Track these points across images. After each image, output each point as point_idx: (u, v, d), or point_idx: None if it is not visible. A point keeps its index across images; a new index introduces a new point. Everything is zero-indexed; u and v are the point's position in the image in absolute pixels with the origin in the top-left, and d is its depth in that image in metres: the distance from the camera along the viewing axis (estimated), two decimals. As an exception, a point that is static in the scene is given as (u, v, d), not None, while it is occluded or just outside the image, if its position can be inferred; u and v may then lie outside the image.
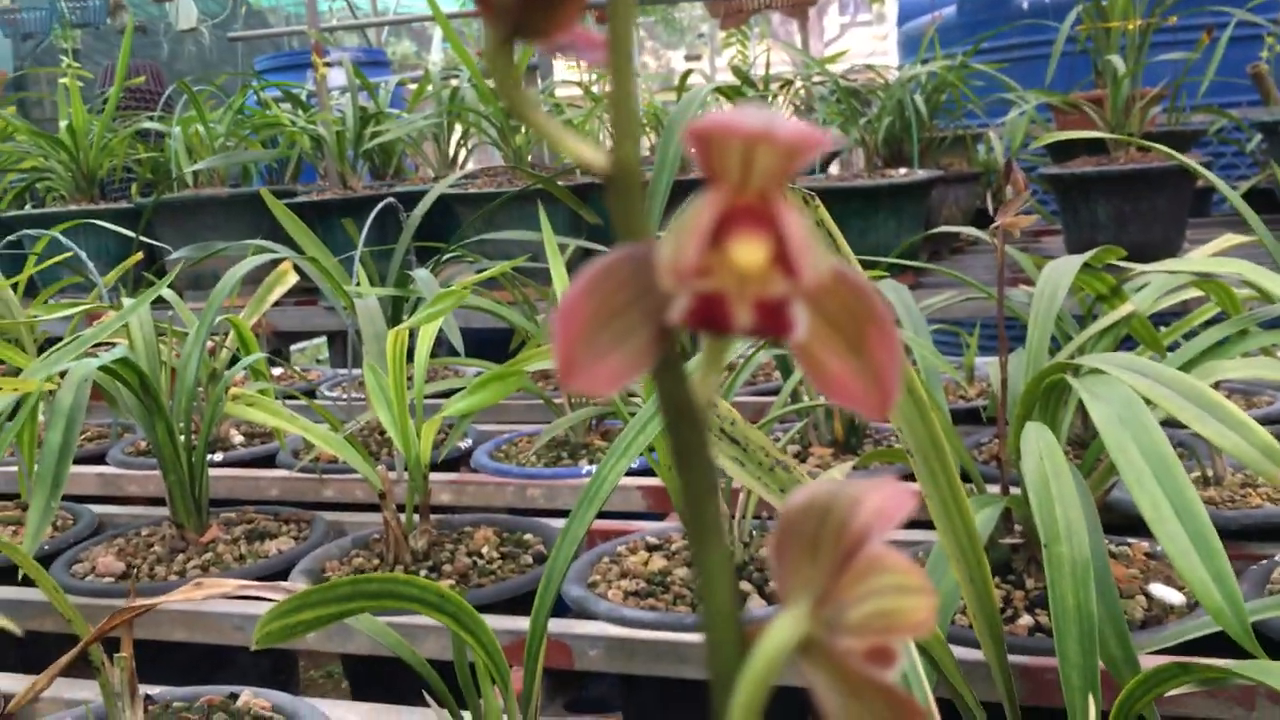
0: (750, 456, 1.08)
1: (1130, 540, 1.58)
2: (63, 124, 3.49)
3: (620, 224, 0.33)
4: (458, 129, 3.64)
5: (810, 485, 0.33)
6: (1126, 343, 1.60)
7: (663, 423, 0.34)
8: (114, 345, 1.82)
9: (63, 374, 1.59)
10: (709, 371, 0.34)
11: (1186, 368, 1.40)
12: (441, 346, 2.18)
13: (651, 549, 1.70)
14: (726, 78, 3.99)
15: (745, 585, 1.56)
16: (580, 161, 0.34)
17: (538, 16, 0.33)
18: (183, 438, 1.79)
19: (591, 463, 2.02)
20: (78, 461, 2.23)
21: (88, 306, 2.13)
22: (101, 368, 1.64)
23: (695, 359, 0.36)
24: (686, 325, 0.30)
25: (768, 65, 3.96)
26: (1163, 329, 1.65)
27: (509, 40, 0.34)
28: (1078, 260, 1.56)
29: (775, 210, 0.30)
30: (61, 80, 3.51)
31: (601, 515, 1.85)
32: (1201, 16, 3.29)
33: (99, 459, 2.32)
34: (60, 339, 1.80)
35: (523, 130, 3.26)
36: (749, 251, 0.29)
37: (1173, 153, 1.96)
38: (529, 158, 3.44)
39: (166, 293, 2.00)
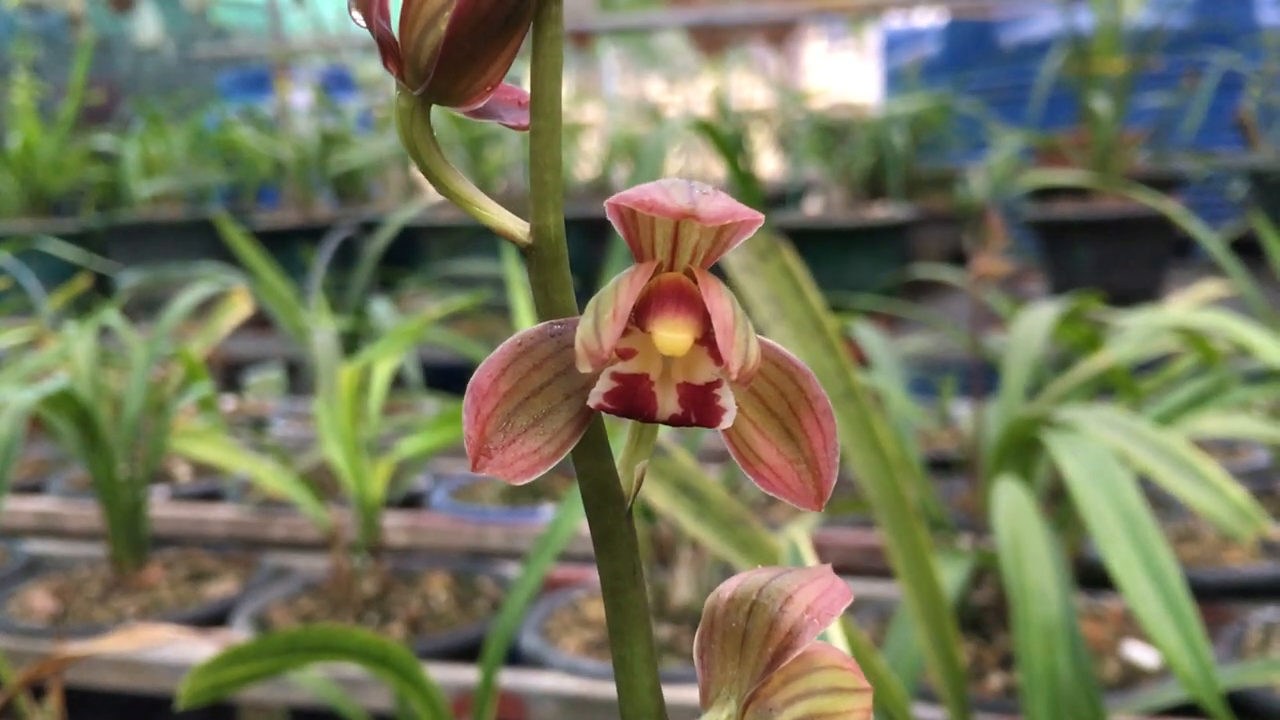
0: (709, 510, 1.03)
1: (1106, 596, 1.54)
2: (14, 141, 3.42)
3: (540, 298, 0.29)
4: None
5: (739, 576, 0.30)
6: (1106, 391, 1.57)
7: (584, 506, 0.30)
8: (57, 373, 1.76)
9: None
10: (635, 455, 0.31)
11: (1164, 421, 1.36)
12: (407, 378, 2.12)
13: (610, 596, 1.64)
14: (704, 109, 3.97)
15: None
16: (500, 231, 0.30)
17: (453, 82, 0.29)
18: (124, 471, 1.72)
19: (555, 504, 1.97)
20: (13, 494, 2.16)
21: (29, 332, 2.06)
22: (42, 398, 1.57)
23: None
24: (608, 410, 0.27)
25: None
26: (1142, 373, 1.62)
27: (424, 105, 0.30)
28: (1054, 308, 1.53)
29: (703, 290, 0.27)
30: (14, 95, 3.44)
31: (565, 561, 1.81)
32: (1186, 61, 3.30)
33: (37, 492, 2.24)
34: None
35: (489, 160, 3.22)
36: (673, 334, 0.27)
37: (1155, 200, 1.93)
38: (503, 185, 3.40)
39: (113, 318, 1.93)
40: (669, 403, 0.27)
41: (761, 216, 0.26)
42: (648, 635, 0.30)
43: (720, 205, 0.25)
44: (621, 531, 0.30)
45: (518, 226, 0.29)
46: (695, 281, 0.27)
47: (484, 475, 0.28)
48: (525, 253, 0.29)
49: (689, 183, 0.26)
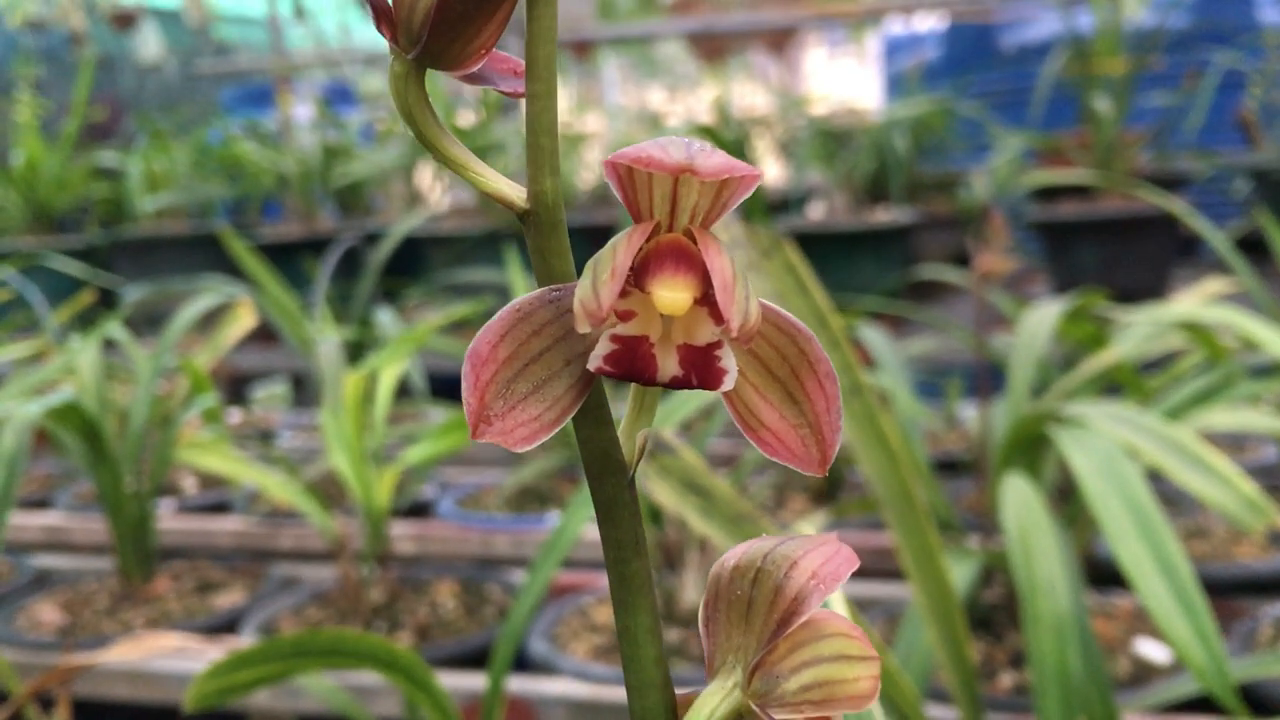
0: (716, 508, 1.03)
1: (1116, 594, 1.54)
2: (18, 158, 3.43)
3: (539, 264, 0.29)
4: (428, 166, 3.59)
5: (744, 544, 0.29)
6: (1113, 388, 1.56)
7: (586, 474, 0.30)
8: (63, 387, 1.76)
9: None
10: (636, 422, 0.30)
11: (1172, 416, 1.36)
12: (413, 387, 2.12)
13: (618, 601, 1.64)
14: (706, 117, 3.97)
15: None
16: (496, 196, 0.29)
17: (447, 45, 0.29)
18: (131, 485, 1.72)
19: (561, 511, 1.96)
20: (20, 509, 2.15)
21: (34, 347, 2.06)
22: (47, 411, 1.57)
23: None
24: (608, 374, 0.27)
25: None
26: (1147, 372, 1.61)
27: (419, 69, 0.30)
28: (1059, 305, 1.52)
29: (702, 248, 0.26)
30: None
31: (573, 566, 1.81)
32: (1187, 60, 3.30)
33: (44, 506, 2.24)
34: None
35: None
36: (672, 293, 0.26)
37: (1160, 197, 1.93)
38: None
39: (118, 332, 1.93)
40: (670, 365, 0.27)
41: (760, 172, 0.26)
42: (652, 606, 0.30)
43: (718, 160, 0.25)
44: (624, 500, 0.29)
45: (515, 192, 0.29)
46: (694, 242, 0.27)
47: (485, 440, 0.28)
48: (523, 218, 0.29)
49: (686, 140, 0.25)
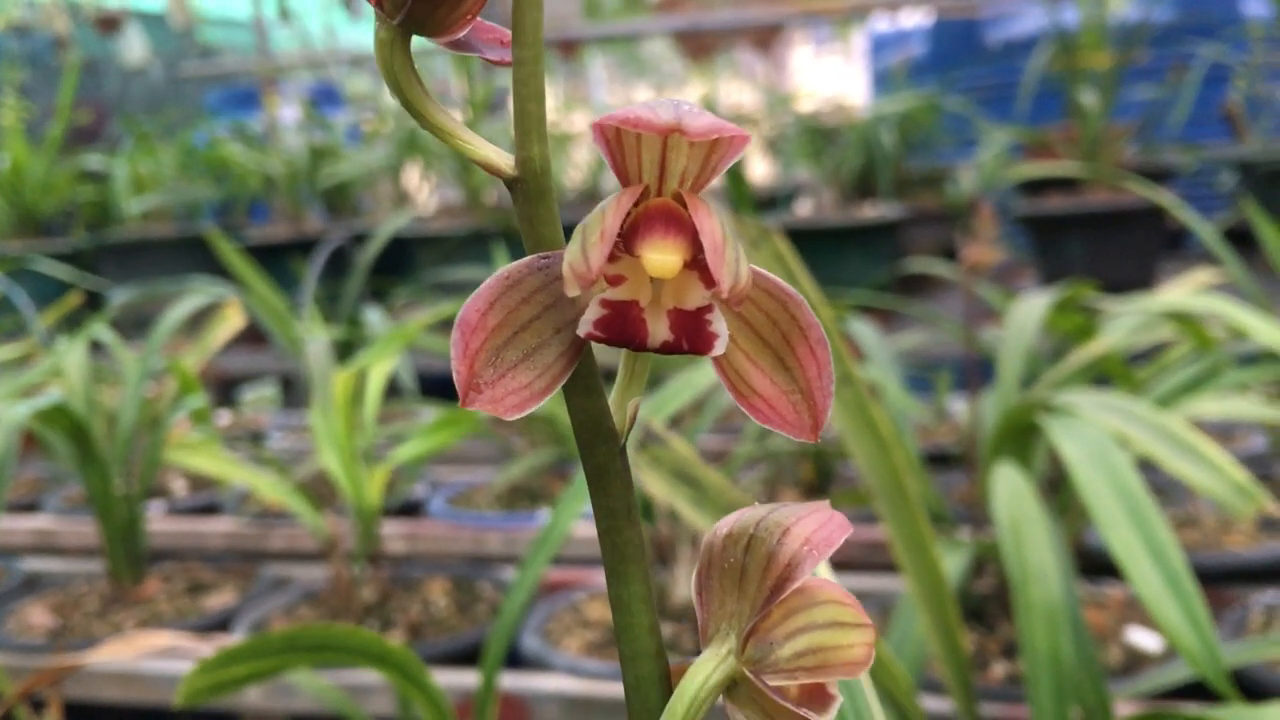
0: (708, 497, 1.03)
1: (1107, 583, 1.54)
2: (3, 162, 3.41)
3: (527, 232, 0.29)
4: (415, 166, 3.59)
5: (736, 512, 0.29)
6: (1102, 379, 1.57)
7: (577, 443, 0.29)
8: (51, 389, 1.75)
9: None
10: (627, 390, 0.30)
11: (1161, 406, 1.36)
12: (402, 386, 2.12)
13: (611, 597, 1.64)
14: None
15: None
16: (484, 164, 0.29)
17: (432, 9, 0.29)
18: (120, 487, 1.71)
19: (553, 508, 1.96)
20: (9, 512, 2.15)
21: (21, 350, 2.05)
22: (35, 414, 1.57)
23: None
24: (598, 339, 0.27)
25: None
26: (1135, 363, 1.62)
27: (404, 35, 0.30)
28: (1048, 296, 1.52)
29: (691, 211, 0.26)
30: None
31: (564, 563, 1.80)
32: (1172, 54, 3.31)
33: (33, 509, 2.23)
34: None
35: (477, 169, 3.21)
36: (662, 256, 0.26)
37: (1147, 189, 1.93)
38: (492, 195, 3.40)
39: (105, 334, 1.93)
40: (660, 329, 0.27)
41: (749, 134, 0.26)
42: (645, 574, 0.29)
43: (706, 120, 0.25)
44: (615, 469, 0.29)
45: (502, 159, 0.29)
46: (684, 206, 0.27)
47: (475, 409, 0.28)
48: (511, 186, 0.29)
49: (674, 100, 0.25)
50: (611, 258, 0.26)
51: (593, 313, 0.27)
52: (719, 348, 0.27)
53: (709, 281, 0.27)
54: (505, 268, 0.28)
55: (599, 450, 0.30)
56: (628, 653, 0.29)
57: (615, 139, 0.26)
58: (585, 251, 0.26)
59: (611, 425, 0.30)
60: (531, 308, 0.28)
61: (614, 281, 0.27)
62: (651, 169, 0.27)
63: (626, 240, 0.27)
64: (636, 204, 0.27)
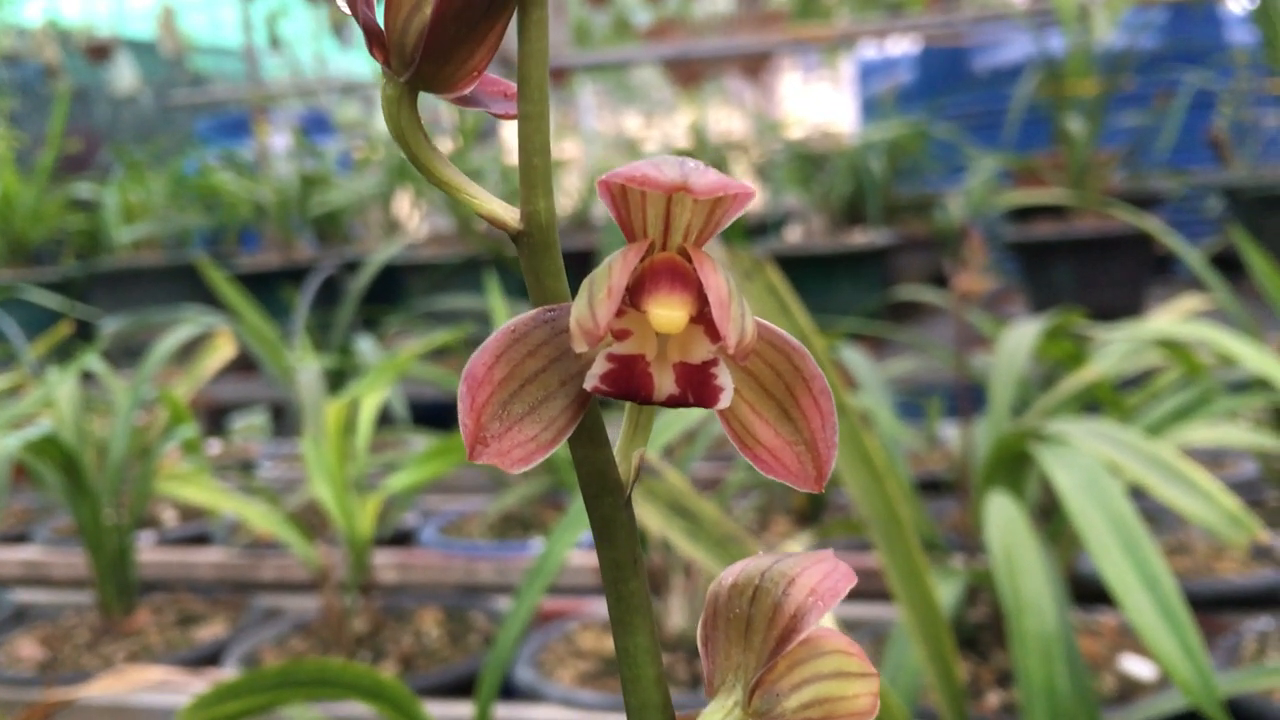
0: (702, 530, 1.03)
1: (1100, 611, 1.54)
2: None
3: (533, 284, 0.29)
4: (406, 194, 3.59)
5: (741, 562, 0.30)
6: (1092, 406, 1.57)
7: (583, 495, 0.30)
8: (41, 420, 1.75)
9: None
10: (632, 441, 0.30)
11: (1152, 433, 1.37)
12: (394, 415, 2.11)
13: (606, 628, 1.63)
14: (683, 142, 3.99)
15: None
16: (490, 218, 0.30)
17: (439, 67, 0.29)
18: (110, 517, 1.70)
19: (545, 537, 1.95)
20: (-1, 543, 2.14)
21: (11, 380, 2.04)
22: (26, 445, 1.56)
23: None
24: (604, 393, 0.27)
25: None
26: (1126, 390, 1.62)
27: (411, 91, 0.30)
28: (1038, 324, 1.53)
29: (697, 266, 0.27)
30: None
31: (557, 592, 1.80)
32: (1158, 81, 3.33)
33: (22, 540, 2.22)
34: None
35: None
36: (668, 311, 0.26)
37: (1135, 216, 1.95)
38: (483, 223, 3.40)
39: (96, 364, 1.92)
40: (666, 383, 0.27)
41: (753, 190, 0.26)
42: (650, 625, 0.30)
43: (712, 179, 0.25)
44: (620, 520, 0.29)
45: (508, 213, 0.29)
46: (689, 260, 0.27)
47: (482, 462, 0.28)
48: (516, 239, 0.29)
49: (679, 158, 0.26)
50: (618, 312, 0.27)
51: (599, 367, 0.27)
52: (724, 400, 0.27)
53: (714, 336, 0.27)
54: (511, 321, 0.29)
55: (604, 501, 0.30)
56: (634, 704, 0.29)
57: (621, 196, 0.27)
58: (593, 308, 0.26)
59: (617, 476, 0.30)
60: (537, 361, 0.29)
61: (620, 336, 0.27)
62: (656, 224, 0.27)
63: (632, 295, 0.27)
64: (642, 259, 0.27)
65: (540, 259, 0.29)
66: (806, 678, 0.29)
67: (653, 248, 0.27)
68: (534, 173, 0.28)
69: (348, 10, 0.29)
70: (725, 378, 0.27)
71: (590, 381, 0.27)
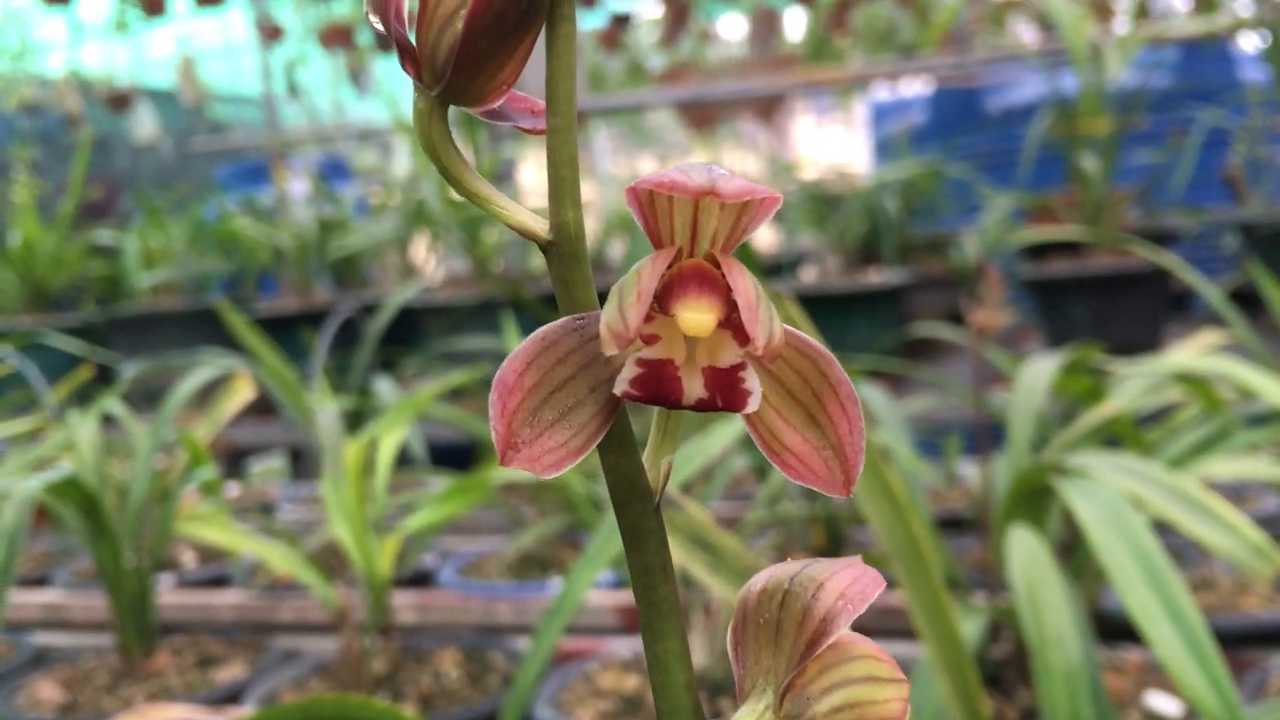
0: (724, 563, 1.02)
1: (1125, 648, 1.52)
2: (15, 238, 3.44)
3: (562, 294, 0.29)
4: (422, 238, 3.62)
5: (770, 568, 0.30)
6: (1112, 441, 1.56)
7: (612, 501, 0.30)
8: (62, 463, 1.75)
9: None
10: (661, 448, 0.31)
11: (1173, 467, 1.36)
12: (412, 456, 2.12)
13: (625, 667, 1.62)
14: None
15: (727, 704, 1.48)
16: (520, 229, 0.30)
17: (470, 81, 0.30)
18: (130, 560, 1.71)
19: (564, 577, 1.95)
20: (19, 587, 2.14)
21: (33, 423, 2.06)
22: (47, 487, 1.57)
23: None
24: (634, 398, 0.27)
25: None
26: (1146, 426, 1.61)
27: (442, 105, 0.31)
28: (1056, 360, 1.53)
29: (725, 270, 0.27)
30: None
31: (576, 632, 1.79)
32: (1171, 119, 3.34)
33: (43, 583, 2.22)
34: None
35: (484, 240, 3.24)
36: (697, 315, 0.27)
37: (1151, 252, 1.95)
38: (499, 265, 3.42)
39: (116, 407, 1.93)
40: (695, 387, 0.27)
41: (779, 195, 0.26)
42: (681, 631, 0.30)
43: (739, 183, 0.26)
44: (650, 527, 0.30)
45: (538, 224, 0.30)
46: (716, 266, 0.28)
47: (513, 467, 0.28)
48: (546, 250, 0.30)
49: (707, 164, 0.26)
50: (647, 318, 0.27)
51: (629, 371, 0.27)
52: (753, 404, 0.27)
53: (743, 340, 0.27)
54: (541, 329, 0.29)
55: (634, 508, 0.30)
56: (665, 709, 0.29)
57: (648, 202, 0.27)
58: (623, 312, 0.26)
59: (646, 483, 0.30)
60: (567, 368, 0.29)
61: (649, 341, 0.28)
62: (684, 230, 0.27)
63: (661, 300, 0.27)
64: (670, 265, 0.27)
65: (569, 268, 0.29)
66: (837, 681, 0.29)
67: (680, 254, 0.28)
68: (562, 184, 0.29)
69: (380, 26, 0.29)
70: (753, 381, 0.28)
71: (620, 386, 0.27)
